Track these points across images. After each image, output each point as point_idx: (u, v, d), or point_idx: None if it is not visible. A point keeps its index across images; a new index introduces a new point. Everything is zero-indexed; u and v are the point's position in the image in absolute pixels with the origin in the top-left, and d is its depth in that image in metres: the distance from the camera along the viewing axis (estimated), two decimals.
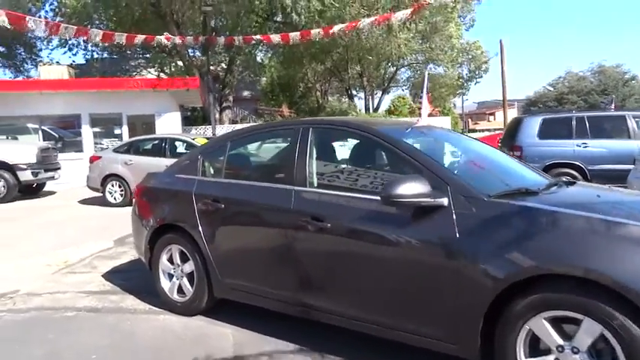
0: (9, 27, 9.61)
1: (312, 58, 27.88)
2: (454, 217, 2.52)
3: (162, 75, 21.50)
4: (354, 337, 3.04)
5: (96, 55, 22.29)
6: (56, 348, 3.34)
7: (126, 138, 15.44)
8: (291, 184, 3.21)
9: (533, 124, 8.86)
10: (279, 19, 21.62)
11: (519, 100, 50.22)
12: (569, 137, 8.61)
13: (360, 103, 31.97)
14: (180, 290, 3.89)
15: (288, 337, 3.31)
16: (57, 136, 17.32)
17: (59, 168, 12.84)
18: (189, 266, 3.79)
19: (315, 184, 3.14)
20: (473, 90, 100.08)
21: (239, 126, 22.24)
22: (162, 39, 13.25)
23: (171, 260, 3.94)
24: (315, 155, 3.23)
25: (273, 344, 3.24)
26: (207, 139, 10.62)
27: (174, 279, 3.92)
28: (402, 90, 30.70)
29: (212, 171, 3.88)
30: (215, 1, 16.39)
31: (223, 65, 23.39)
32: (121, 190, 10.13)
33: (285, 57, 26.02)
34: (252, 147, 4.05)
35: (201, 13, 16.50)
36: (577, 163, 8.50)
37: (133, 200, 4.45)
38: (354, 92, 32.86)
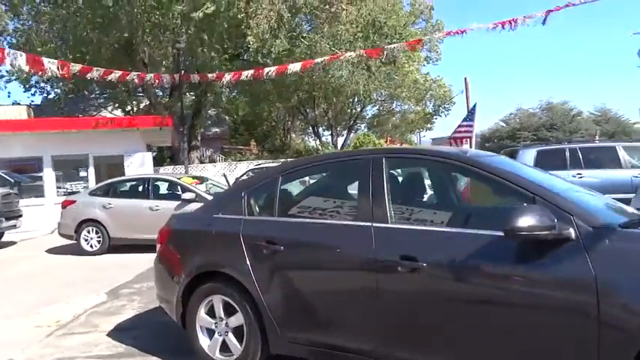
0: None
1: (279, 95, 27.90)
2: (585, 250, 2.24)
3: (121, 115, 20.84)
4: None
5: (52, 95, 21.34)
6: None
7: (92, 180, 14.56)
8: (368, 220, 2.86)
9: (528, 155, 8.93)
10: (245, 57, 21.64)
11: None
12: (565, 168, 8.71)
13: (326, 141, 32.05)
14: (225, 348, 3.38)
15: None
16: (12, 180, 16.14)
17: (21, 215, 11.83)
18: (236, 319, 3.30)
19: (398, 219, 2.80)
20: (441, 123, 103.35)
21: (209, 165, 21.67)
22: (135, 77, 12.77)
23: (211, 314, 3.44)
24: (393, 188, 2.90)
25: None
26: (195, 177, 10.08)
27: (217, 335, 3.41)
28: (367, 128, 31.01)
29: (261, 209, 3.47)
30: (185, 41, 16.16)
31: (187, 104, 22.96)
32: (99, 237, 9.31)
33: (252, 95, 25.85)
34: (309, 181, 3.68)
35: (173, 52, 16.14)
36: None
37: (157, 247, 3.93)
38: (320, 130, 32.98)
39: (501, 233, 2.36)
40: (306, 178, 3.68)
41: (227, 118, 29.07)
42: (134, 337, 4.36)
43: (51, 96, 21.46)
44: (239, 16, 15.57)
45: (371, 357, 2.76)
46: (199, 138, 22.59)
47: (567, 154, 8.84)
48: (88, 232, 9.32)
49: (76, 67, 10.74)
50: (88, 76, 11.22)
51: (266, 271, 3.15)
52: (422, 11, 24.68)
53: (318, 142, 32.18)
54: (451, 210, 2.72)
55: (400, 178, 3.08)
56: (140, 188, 9.48)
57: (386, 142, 26.50)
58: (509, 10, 71.26)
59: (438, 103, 27.94)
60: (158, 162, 20.95)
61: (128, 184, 9.85)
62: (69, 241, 9.77)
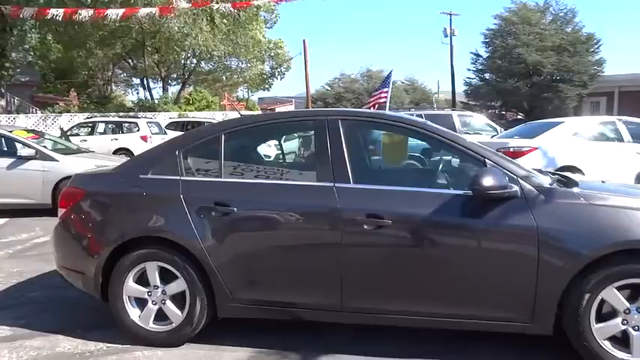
0: None
1: (101, 41, 24.91)
2: (529, 205, 2.70)
3: None
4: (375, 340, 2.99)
5: None
6: None
7: None
8: (329, 180, 2.94)
9: None
10: None
11: (297, 97, 53.99)
12: None
13: (154, 94, 29.85)
14: (161, 317, 3.15)
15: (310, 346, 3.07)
16: None
17: None
18: (176, 286, 3.09)
19: (361, 180, 2.95)
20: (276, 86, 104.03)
21: (21, 116, 18.53)
22: None
23: (142, 282, 3.15)
24: (352, 149, 3.02)
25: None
26: (31, 131, 8.57)
27: (150, 304, 3.15)
28: (201, 83, 29.68)
29: (203, 170, 3.23)
30: None
31: None
32: None
33: (68, 38, 22.55)
34: (256, 141, 3.50)
35: None
36: None
37: (59, 211, 3.36)
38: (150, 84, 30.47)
39: (460, 192, 2.72)
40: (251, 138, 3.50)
41: (39, 63, 24.90)
42: (19, 317, 3.70)
43: None
44: None
45: (338, 311, 2.91)
46: (4, 84, 19.04)
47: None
48: None
49: None
50: None
51: (215, 234, 3.00)
52: None
53: (147, 94, 29.76)
54: (412, 173, 2.97)
55: (358, 140, 3.20)
56: None
57: (225, 99, 25.90)
58: None
59: (274, 65, 28.23)
60: None
61: None
62: None
